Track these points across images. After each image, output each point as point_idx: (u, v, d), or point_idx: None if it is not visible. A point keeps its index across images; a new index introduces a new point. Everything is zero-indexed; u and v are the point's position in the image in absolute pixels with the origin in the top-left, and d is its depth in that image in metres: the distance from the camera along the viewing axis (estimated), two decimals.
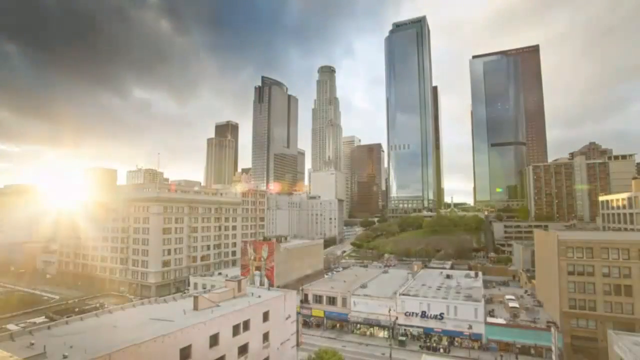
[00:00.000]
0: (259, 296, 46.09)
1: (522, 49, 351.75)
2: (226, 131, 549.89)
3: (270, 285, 74.30)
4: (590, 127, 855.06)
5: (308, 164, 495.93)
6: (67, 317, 38.79)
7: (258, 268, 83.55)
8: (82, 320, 35.80)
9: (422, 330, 67.20)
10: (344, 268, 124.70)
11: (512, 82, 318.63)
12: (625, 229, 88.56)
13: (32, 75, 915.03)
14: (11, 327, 54.98)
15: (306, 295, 78.41)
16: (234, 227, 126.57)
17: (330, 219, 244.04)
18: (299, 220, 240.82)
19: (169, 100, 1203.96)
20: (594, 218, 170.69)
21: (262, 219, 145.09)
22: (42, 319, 65.49)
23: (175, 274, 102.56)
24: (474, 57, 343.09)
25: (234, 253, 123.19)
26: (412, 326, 68.15)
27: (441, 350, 63.98)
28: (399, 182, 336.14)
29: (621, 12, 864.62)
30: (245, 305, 41.68)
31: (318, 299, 77.38)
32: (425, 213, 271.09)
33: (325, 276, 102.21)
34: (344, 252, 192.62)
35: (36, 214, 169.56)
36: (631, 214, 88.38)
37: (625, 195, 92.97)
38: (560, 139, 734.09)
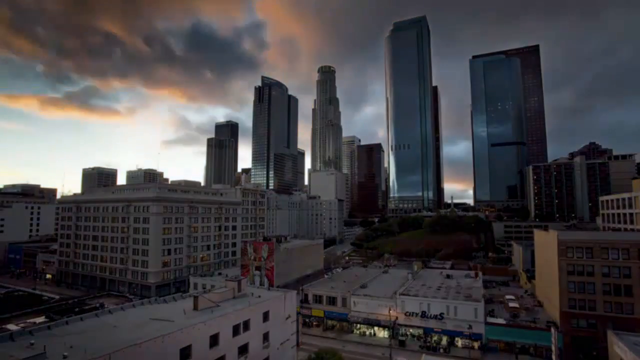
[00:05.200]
0: (259, 296, 46.07)
1: (522, 48, 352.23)
2: (226, 131, 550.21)
3: (270, 285, 74.30)
4: (591, 126, 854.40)
5: (308, 164, 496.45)
6: (67, 317, 38.76)
7: (258, 268, 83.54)
8: (82, 320, 35.78)
9: (422, 330, 67.20)
10: (344, 268, 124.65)
11: (512, 82, 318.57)
12: (625, 229, 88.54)
13: None
14: (11, 327, 54.87)
15: (306, 296, 78.39)
16: (234, 227, 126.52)
17: (330, 219, 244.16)
18: (299, 220, 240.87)
19: (170, 100, 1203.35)
20: (594, 218, 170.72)
21: (262, 219, 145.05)
22: (42, 319, 65.35)
23: (175, 274, 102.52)
24: (474, 57, 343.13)
25: (234, 253, 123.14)
26: (412, 326, 68.16)
27: (441, 350, 63.98)
28: (399, 182, 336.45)
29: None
30: (245, 305, 41.67)
31: (318, 299, 77.34)
32: (425, 213, 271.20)
33: (325, 276, 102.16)
34: (344, 252, 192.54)
35: (37, 213, 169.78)
36: (631, 214, 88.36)
37: (625, 195, 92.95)
38: (561, 138, 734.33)
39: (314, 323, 76.87)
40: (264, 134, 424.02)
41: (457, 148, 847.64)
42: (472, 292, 70.23)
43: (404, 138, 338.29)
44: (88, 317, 36.91)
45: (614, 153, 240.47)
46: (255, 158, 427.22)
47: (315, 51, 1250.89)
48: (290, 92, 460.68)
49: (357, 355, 61.61)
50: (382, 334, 69.84)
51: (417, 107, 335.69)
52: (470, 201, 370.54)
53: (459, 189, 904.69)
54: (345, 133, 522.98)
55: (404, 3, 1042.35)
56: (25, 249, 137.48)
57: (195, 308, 39.29)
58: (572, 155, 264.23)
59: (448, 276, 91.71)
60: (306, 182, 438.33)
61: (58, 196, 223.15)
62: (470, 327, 63.52)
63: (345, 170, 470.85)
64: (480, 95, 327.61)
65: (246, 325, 39.81)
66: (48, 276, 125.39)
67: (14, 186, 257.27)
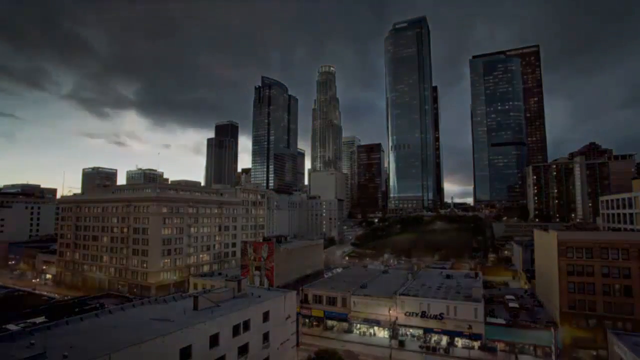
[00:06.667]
0: (259, 296, 46.11)
1: (522, 48, 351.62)
2: (226, 131, 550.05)
3: (270, 285, 74.29)
4: (591, 127, 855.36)
5: (308, 164, 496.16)
6: (67, 317, 38.78)
7: (258, 268, 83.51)
8: (82, 320, 35.82)
9: (422, 330, 67.16)
10: (344, 268, 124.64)
11: (512, 82, 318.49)
12: (625, 229, 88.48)
13: None
14: (11, 327, 54.84)
15: (306, 296, 78.36)
16: (234, 227, 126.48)
17: (330, 219, 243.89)
18: (299, 220, 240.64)
19: (170, 100, 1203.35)
20: (594, 218, 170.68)
21: (262, 219, 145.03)
22: (42, 319, 65.34)
23: (175, 274, 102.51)
24: (474, 57, 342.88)
25: (234, 253, 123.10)
26: (412, 326, 68.11)
27: (441, 350, 63.96)
28: (399, 182, 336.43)
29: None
30: (245, 305, 41.71)
31: (318, 299, 77.31)
32: (425, 213, 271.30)
33: (325, 276, 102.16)
34: (344, 252, 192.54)
35: (37, 213, 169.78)
36: (631, 214, 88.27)
37: (625, 195, 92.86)
38: (561, 139, 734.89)
39: (314, 323, 76.84)
40: (264, 134, 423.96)
41: (457, 148, 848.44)
42: (472, 292, 70.09)
43: (404, 138, 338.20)
44: (88, 317, 36.94)
45: (614, 153, 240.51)
46: (255, 158, 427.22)
47: (315, 51, 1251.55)
48: (290, 92, 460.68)
49: (357, 355, 61.62)
50: (382, 334, 69.83)
51: (417, 107, 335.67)
52: (470, 201, 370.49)
53: (459, 189, 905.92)
54: (345, 133, 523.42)
55: (404, 3, 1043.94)
56: (25, 249, 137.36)
57: (195, 308, 39.32)
58: (572, 155, 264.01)
59: (448, 276, 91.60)
60: (306, 182, 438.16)
61: (58, 196, 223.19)
62: (470, 327, 63.50)
63: (345, 170, 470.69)
64: (480, 95, 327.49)
65: (246, 325, 39.83)
66: (48, 276, 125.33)
67: (14, 186, 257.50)
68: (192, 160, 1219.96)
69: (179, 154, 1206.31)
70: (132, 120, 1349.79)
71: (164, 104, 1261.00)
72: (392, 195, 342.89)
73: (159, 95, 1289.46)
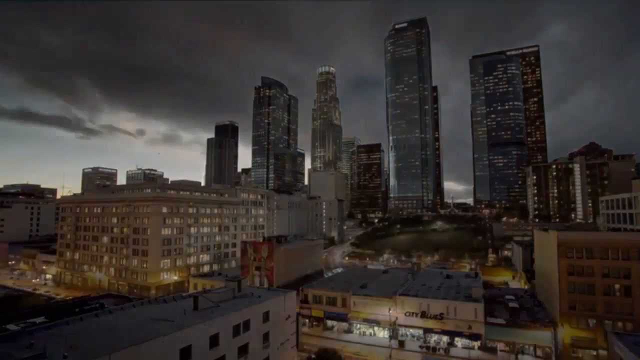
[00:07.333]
0: (259, 296, 46.10)
1: (522, 48, 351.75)
2: (226, 131, 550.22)
3: (270, 285, 74.27)
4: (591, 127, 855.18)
5: (308, 164, 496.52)
6: (67, 317, 38.77)
7: (258, 268, 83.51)
8: (82, 320, 35.83)
9: (421, 330, 67.14)
10: (344, 268, 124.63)
11: (512, 82, 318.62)
12: (626, 229, 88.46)
13: None
14: (11, 327, 54.85)
15: (306, 296, 78.30)
16: (234, 227, 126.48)
17: (330, 219, 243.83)
18: (299, 220, 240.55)
19: (170, 101, 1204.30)
20: (594, 218, 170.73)
21: (262, 219, 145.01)
22: (42, 319, 65.33)
23: (175, 274, 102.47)
24: (474, 57, 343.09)
25: (233, 253, 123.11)
26: (412, 326, 68.09)
27: (441, 350, 63.93)
28: (399, 182, 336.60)
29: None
30: (245, 305, 41.70)
31: (318, 299, 77.25)
32: (425, 213, 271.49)
33: (325, 276, 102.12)
34: (344, 252, 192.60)
35: (37, 213, 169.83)
36: (631, 214, 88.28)
37: (625, 195, 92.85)
38: (561, 139, 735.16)
39: (314, 323, 76.80)
40: (264, 134, 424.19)
41: (457, 148, 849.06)
42: (472, 292, 70.07)
43: (404, 138, 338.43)
44: (88, 317, 36.95)
45: (614, 153, 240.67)
46: (255, 158, 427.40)
47: (315, 51, 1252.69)
48: (290, 92, 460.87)
49: (357, 355, 61.61)
50: (382, 334, 69.83)
51: (417, 107, 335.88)
52: (470, 201, 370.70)
53: (459, 189, 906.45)
54: (346, 133, 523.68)
55: (404, 4, 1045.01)
56: (25, 249, 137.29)
57: (195, 308, 39.31)
58: (572, 155, 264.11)
59: (448, 276, 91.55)
60: (306, 182, 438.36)
61: (58, 196, 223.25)
62: (470, 327, 63.48)
63: (345, 170, 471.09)
64: (480, 95, 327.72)
65: (246, 325, 39.83)
66: (48, 276, 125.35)
67: (14, 186, 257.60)
68: (192, 160, 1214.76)
69: (155, 143, 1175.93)
70: (87, 94, 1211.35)
71: (112, 65, 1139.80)
72: (392, 195, 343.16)
73: (100, 51, 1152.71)
